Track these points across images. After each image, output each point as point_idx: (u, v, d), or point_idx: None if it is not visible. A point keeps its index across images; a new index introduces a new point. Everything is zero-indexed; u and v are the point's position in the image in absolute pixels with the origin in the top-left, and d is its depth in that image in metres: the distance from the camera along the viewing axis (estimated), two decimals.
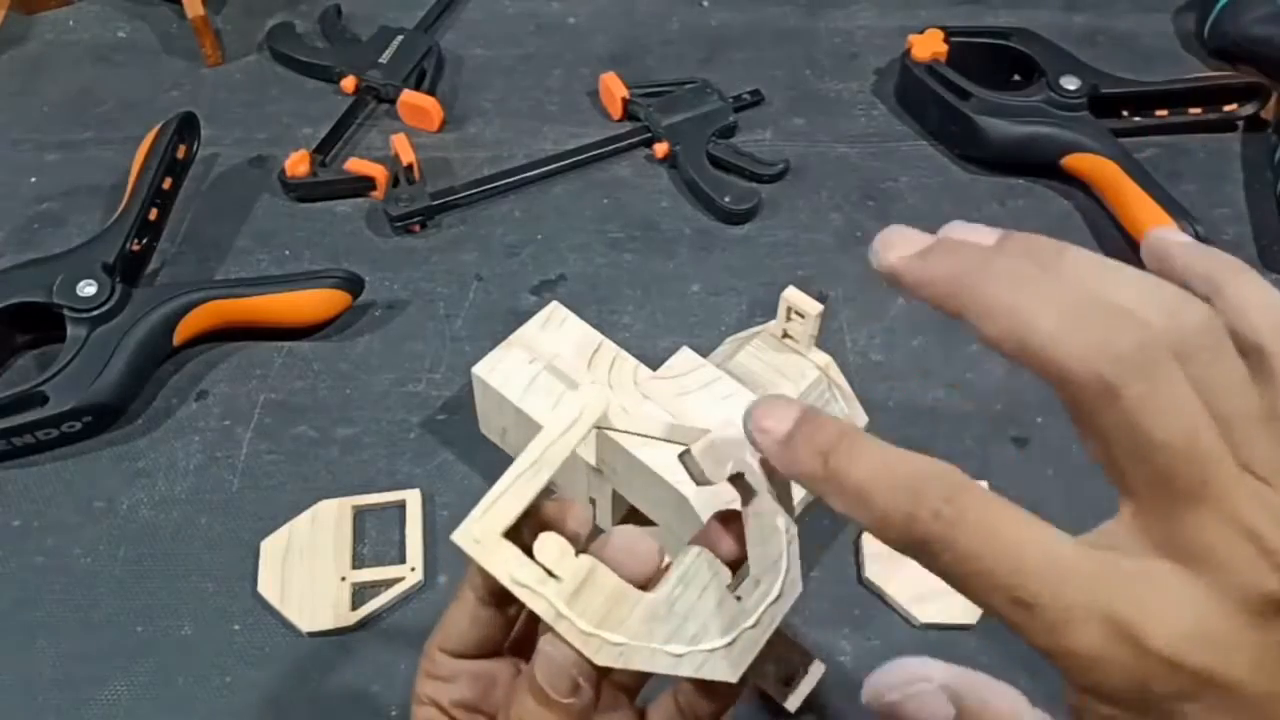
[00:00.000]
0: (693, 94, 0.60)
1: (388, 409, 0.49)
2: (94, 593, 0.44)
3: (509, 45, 0.66)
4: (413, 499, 0.46)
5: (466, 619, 0.32)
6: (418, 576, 0.44)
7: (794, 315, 0.42)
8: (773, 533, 0.27)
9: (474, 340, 0.52)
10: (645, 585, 0.27)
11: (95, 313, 0.48)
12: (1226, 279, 0.23)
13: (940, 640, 0.42)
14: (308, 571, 0.44)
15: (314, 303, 0.51)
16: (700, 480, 0.27)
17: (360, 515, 0.46)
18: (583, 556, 0.26)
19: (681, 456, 0.27)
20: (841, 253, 0.55)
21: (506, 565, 0.26)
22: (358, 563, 0.45)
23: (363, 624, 0.43)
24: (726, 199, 0.56)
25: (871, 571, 0.44)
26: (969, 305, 0.22)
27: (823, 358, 0.43)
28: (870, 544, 0.44)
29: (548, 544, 0.26)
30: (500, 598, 0.30)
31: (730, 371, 0.42)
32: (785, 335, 0.44)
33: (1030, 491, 0.46)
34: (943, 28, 0.61)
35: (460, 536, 0.26)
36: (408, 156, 0.57)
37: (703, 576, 0.27)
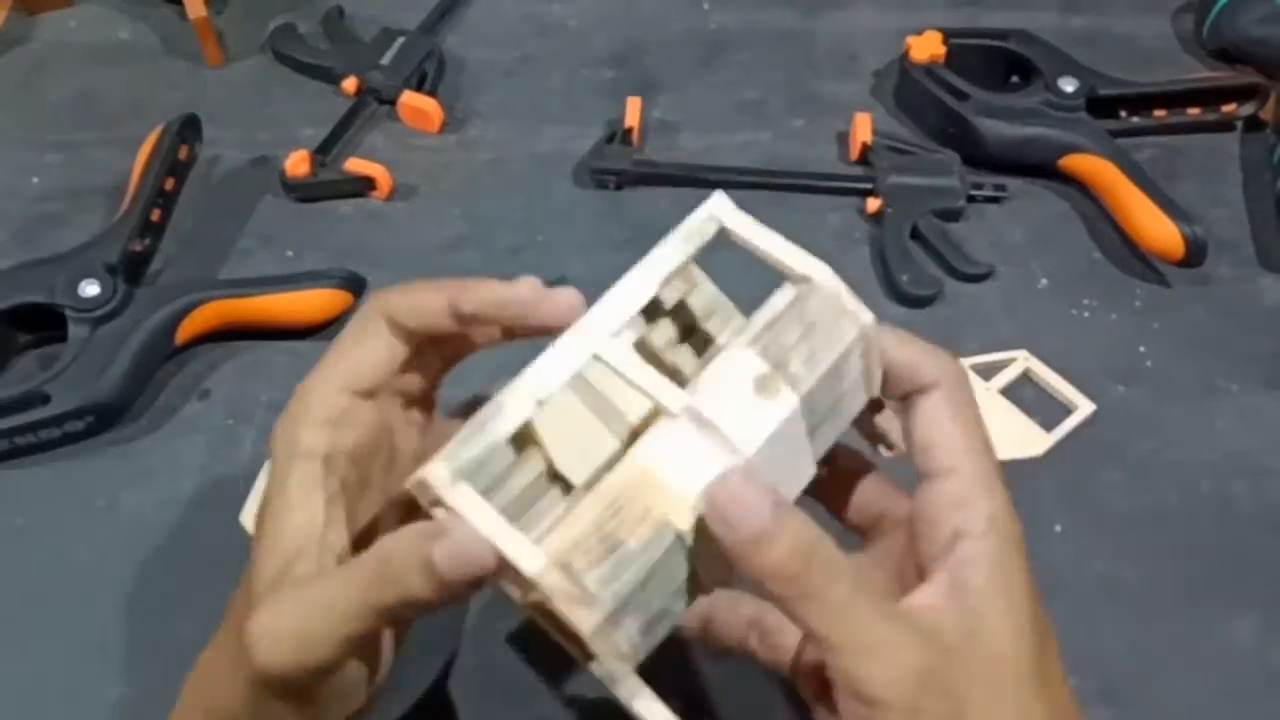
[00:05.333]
0: (934, 164, 0.57)
1: None
2: (96, 593, 0.44)
3: (510, 47, 0.66)
4: None
5: (382, 349, 0.31)
6: None
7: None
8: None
9: None
10: None
11: (98, 313, 0.48)
12: None
13: None
14: None
15: (316, 303, 0.51)
16: None
17: None
18: None
19: None
20: (841, 254, 0.56)
21: None
22: None
23: None
24: (904, 278, 0.53)
25: None
26: None
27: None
28: None
29: None
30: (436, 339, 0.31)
31: None
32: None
33: (1031, 491, 0.47)
34: (941, 30, 0.61)
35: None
36: (632, 121, 0.59)
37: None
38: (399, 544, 0.27)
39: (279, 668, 0.27)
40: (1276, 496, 0.46)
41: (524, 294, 0.30)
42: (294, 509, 0.29)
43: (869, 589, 0.27)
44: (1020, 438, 0.48)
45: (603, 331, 0.29)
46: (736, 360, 0.28)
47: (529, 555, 0.26)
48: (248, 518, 0.45)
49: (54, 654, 0.42)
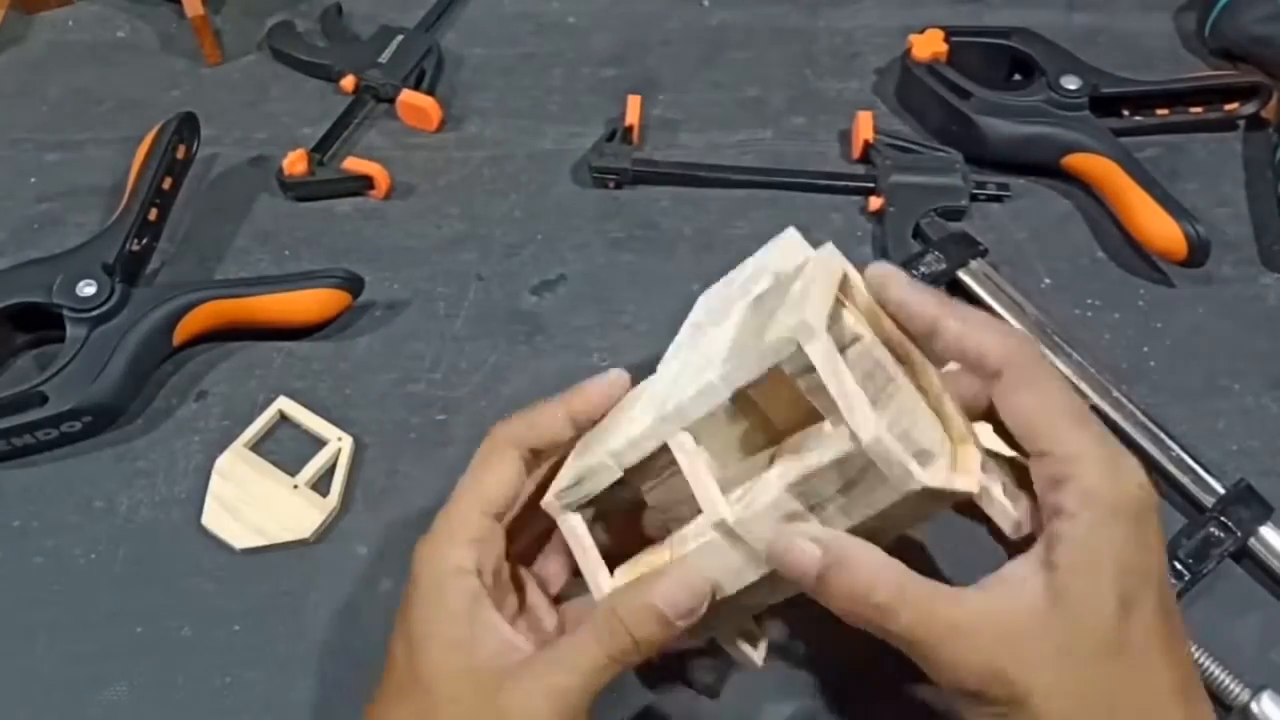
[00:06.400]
0: (936, 162, 0.57)
1: (388, 409, 0.49)
2: (94, 593, 0.44)
3: (509, 45, 0.65)
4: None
5: (510, 475, 0.35)
6: (349, 442, 0.47)
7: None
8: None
9: (474, 340, 0.52)
10: None
11: (95, 313, 0.48)
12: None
13: None
14: (262, 501, 0.46)
15: (314, 303, 0.51)
16: None
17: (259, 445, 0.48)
18: None
19: None
20: (843, 252, 0.55)
21: None
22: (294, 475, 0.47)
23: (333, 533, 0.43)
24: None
25: None
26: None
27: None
28: None
29: None
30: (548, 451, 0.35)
31: None
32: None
33: None
34: (943, 27, 0.61)
35: None
36: (632, 119, 0.59)
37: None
38: (622, 599, 0.32)
39: None
40: (1279, 496, 0.46)
41: (620, 385, 0.36)
42: (464, 620, 0.33)
43: (936, 587, 0.30)
44: None
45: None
46: (774, 495, 0.31)
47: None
48: (209, 520, 0.45)
49: (52, 654, 0.42)
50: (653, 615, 0.31)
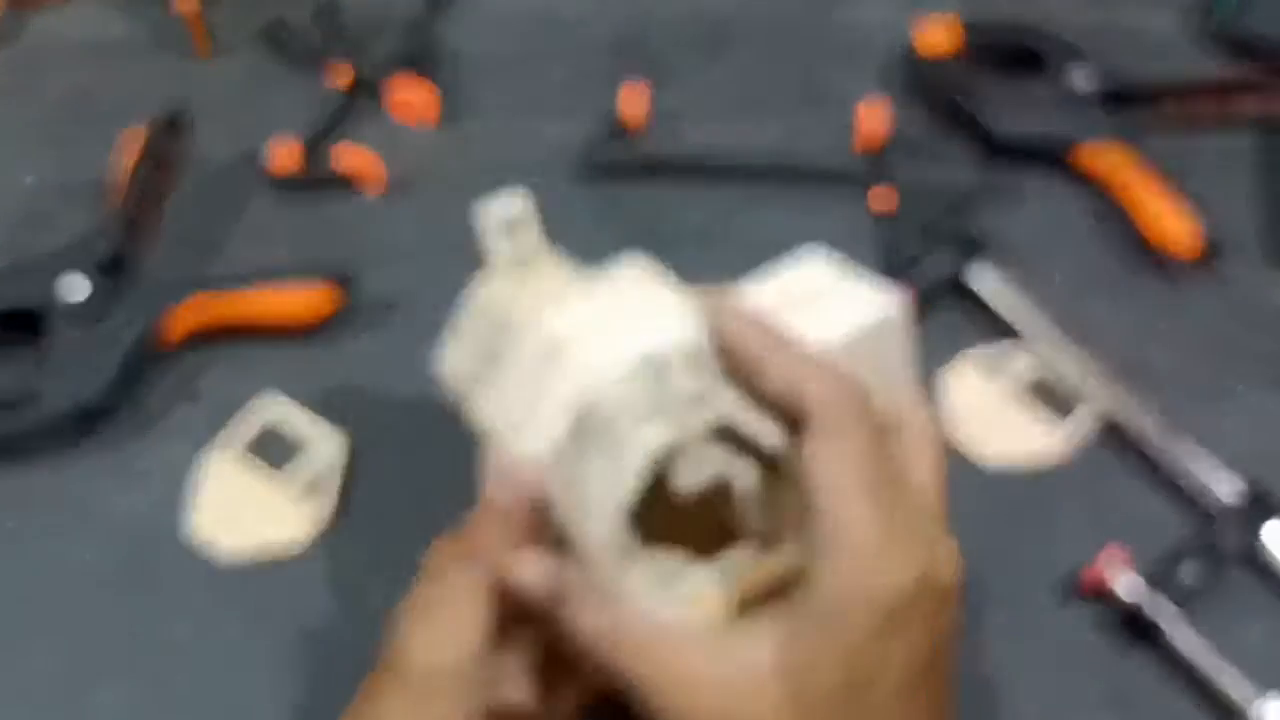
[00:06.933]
0: (944, 156, 0.57)
1: (382, 409, 0.49)
2: (92, 593, 0.44)
3: (507, 39, 0.65)
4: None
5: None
6: (344, 443, 0.47)
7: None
8: None
9: None
10: None
11: (86, 312, 0.48)
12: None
13: None
14: (256, 503, 0.45)
15: (307, 301, 0.50)
16: None
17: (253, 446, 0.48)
18: None
19: None
20: (851, 247, 0.54)
21: None
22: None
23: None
24: (914, 271, 0.52)
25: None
26: None
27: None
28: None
29: None
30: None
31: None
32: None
33: (1039, 490, 0.46)
34: (952, 21, 0.60)
35: None
36: (634, 113, 0.58)
37: None
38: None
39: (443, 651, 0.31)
40: None
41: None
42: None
43: (668, 631, 0.29)
44: (1026, 433, 0.47)
45: None
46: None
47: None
48: (202, 522, 0.45)
49: (48, 656, 0.42)
50: (486, 509, 0.33)
